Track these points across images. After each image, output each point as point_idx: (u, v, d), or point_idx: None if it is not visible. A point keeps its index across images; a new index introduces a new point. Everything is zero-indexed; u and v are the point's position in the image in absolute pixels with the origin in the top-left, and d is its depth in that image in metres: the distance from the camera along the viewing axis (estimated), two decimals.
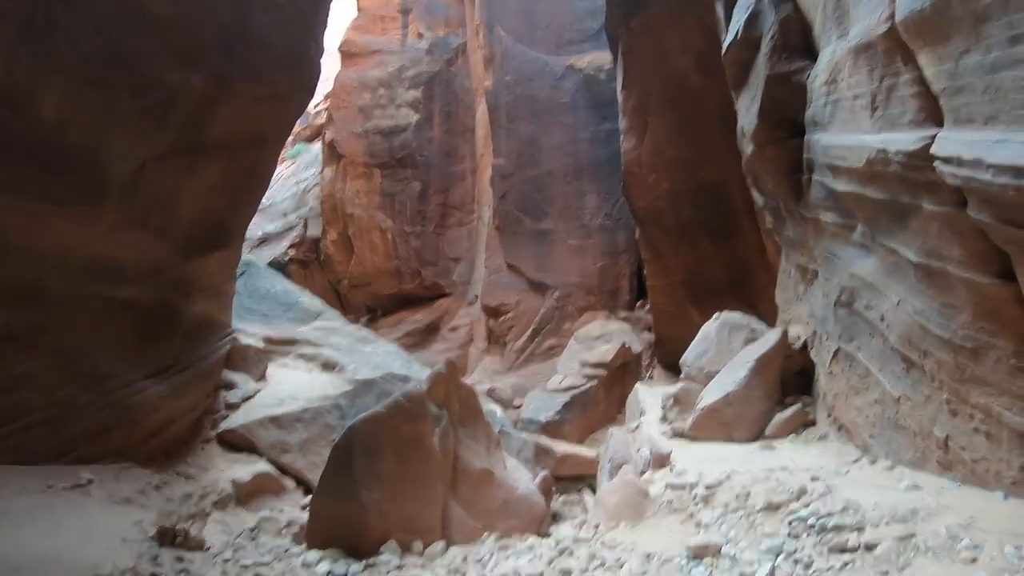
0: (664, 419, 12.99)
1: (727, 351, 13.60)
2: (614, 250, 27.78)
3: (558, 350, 25.64)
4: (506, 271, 28.49)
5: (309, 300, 19.26)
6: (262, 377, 16.06)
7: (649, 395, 14.78)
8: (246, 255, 20.86)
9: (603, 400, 20.50)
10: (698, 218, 20.18)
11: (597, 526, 9.50)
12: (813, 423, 11.64)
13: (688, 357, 13.86)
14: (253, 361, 16.14)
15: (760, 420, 11.93)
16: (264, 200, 42.80)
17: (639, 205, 21.31)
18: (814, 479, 8.41)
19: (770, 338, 12.76)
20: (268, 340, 17.60)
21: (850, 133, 8.90)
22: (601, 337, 22.35)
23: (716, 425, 11.90)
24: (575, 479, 16.92)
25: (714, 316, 14.35)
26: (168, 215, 11.79)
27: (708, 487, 9.00)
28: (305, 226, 36.06)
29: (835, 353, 10.67)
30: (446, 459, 10.62)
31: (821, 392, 11.57)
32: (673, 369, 22.64)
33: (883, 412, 8.96)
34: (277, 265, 35.14)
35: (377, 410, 10.14)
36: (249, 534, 11.63)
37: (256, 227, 39.16)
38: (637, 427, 13.42)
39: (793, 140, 11.66)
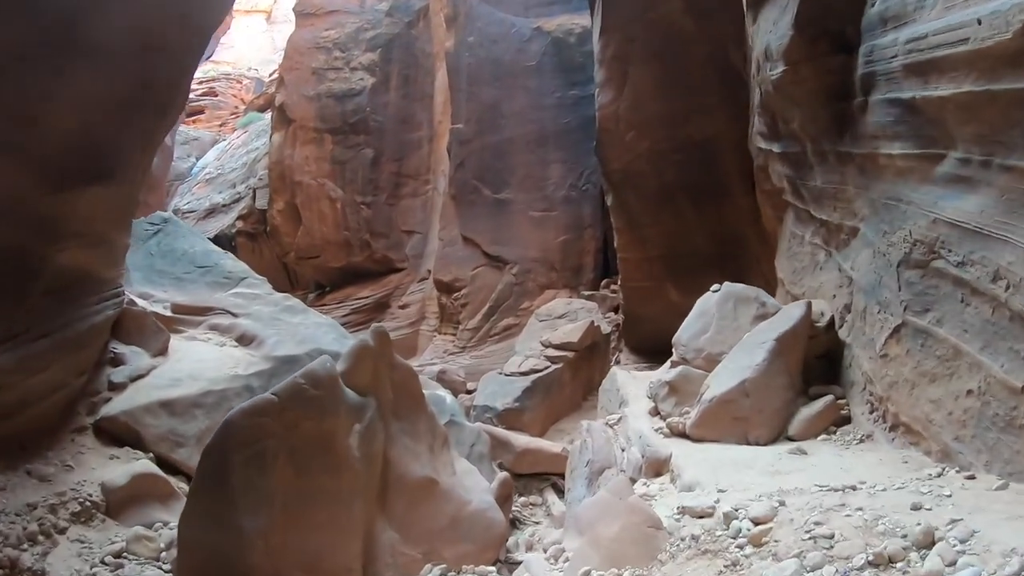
0: (657, 412, 9.83)
1: (732, 329, 10.59)
2: (579, 223, 25.00)
3: (516, 330, 22.92)
4: (461, 244, 25.78)
5: (232, 263, 15.83)
6: (162, 352, 12.65)
7: (631, 381, 11.63)
8: (172, 216, 17.63)
9: (568, 385, 17.28)
10: (682, 181, 17.09)
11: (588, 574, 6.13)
12: (847, 420, 8.91)
13: (683, 336, 10.76)
14: (151, 332, 12.70)
15: (782, 415, 9.08)
16: (212, 170, 40.94)
17: (614, 167, 18.09)
18: (916, 508, 5.57)
19: (792, 313, 9.78)
20: (177, 308, 14.13)
21: (975, 5, 6.09)
22: (565, 315, 19.13)
23: (729, 421, 8.98)
24: (537, 476, 13.62)
25: (712, 288, 11.30)
26: (28, 130, 8.88)
27: (756, 521, 5.77)
28: (254, 197, 33.47)
29: (895, 330, 7.86)
30: (371, 466, 7.40)
31: (859, 380, 8.88)
32: (642, 353, 19.71)
33: (983, 407, 6.33)
34: (224, 238, 32.99)
35: (265, 397, 6.71)
36: (113, 561, 8.33)
37: (203, 198, 37.78)
38: (619, 420, 10.30)
39: (837, 57, 8.98)
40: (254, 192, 33.33)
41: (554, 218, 24.98)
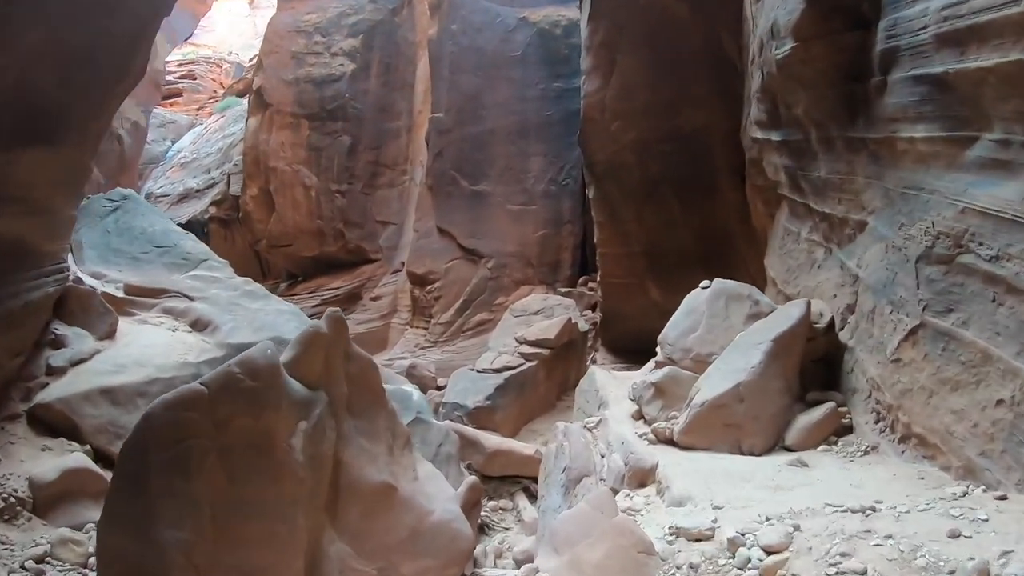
0: (641, 416, 8.99)
1: (724, 328, 9.81)
2: (558, 219, 24.02)
3: (489, 326, 21.93)
4: (436, 236, 24.67)
5: (192, 244, 14.81)
6: (109, 335, 11.64)
7: (611, 381, 10.78)
8: (132, 193, 16.51)
9: (543, 384, 16.32)
10: (669, 174, 16.18)
11: None
12: (849, 429, 8.17)
13: (669, 334, 9.90)
14: (97, 313, 11.68)
15: (778, 422, 8.30)
16: (187, 154, 39.85)
17: (598, 158, 17.15)
18: (954, 535, 4.78)
19: (791, 312, 8.98)
20: (130, 289, 13.07)
21: None
22: (541, 311, 18.15)
23: (720, 428, 8.20)
24: (508, 479, 12.69)
25: (702, 284, 10.48)
26: None
27: (769, 550, 4.87)
28: (228, 183, 32.23)
29: (911, 332, 7.05)
30: (319, 470, 6.44)
31: (862, 387, 8.14)
32: (620, 353, 18.81)
33: (1017, 419, 5.60)
34: (197, 224, 31.84)
35: (192, 388, 5.68)
36: (34, 567, 7.53)
37: (177, 183, 36.63)
38: (599, 424, 9.43)
39: (852, 34, 8.16)
40: (228, 178, 32.17)
41: (533, 212, 24.01)
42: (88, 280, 12.58)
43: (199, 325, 12.31)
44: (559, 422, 10.41)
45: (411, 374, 19.17)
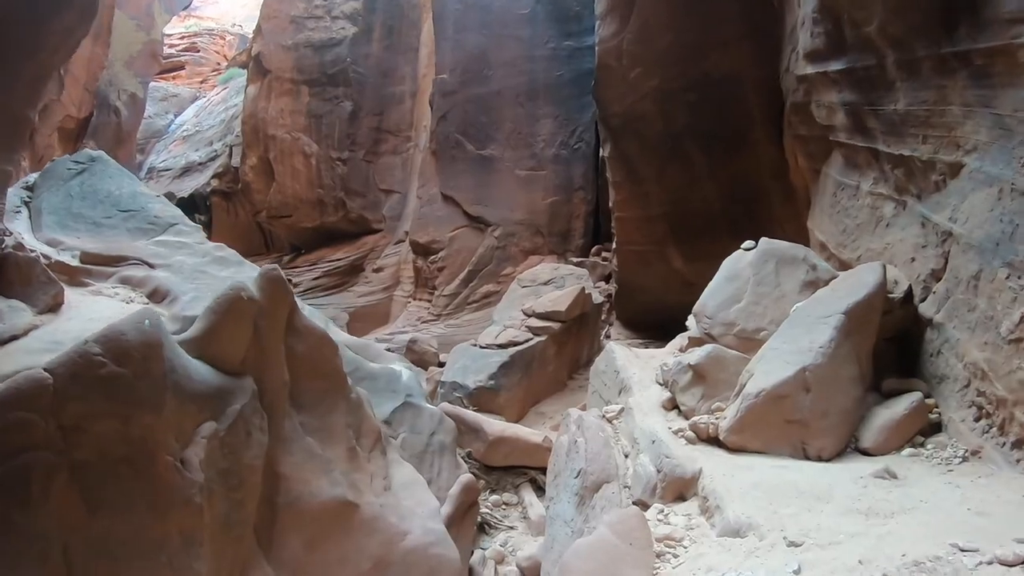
0: (674, 406, 7.25)
1: (774, 298, 8.01)
2: (568, 185, 22.03)
3: (496, 298, 20.02)
4: (440, 203, 22.80)
5: (162, 207, 12.72)
6: (53, 308, 9.48)
7: (634, 361, 8.84)
8: (102, 155, 14.53)
9: (552, 362, 14.31)
10: (693, 127, 14.10)
11: None
12: (937, 427, 6.31)
13: (708, 305, 8.00)
14: (39, 283, 9.56)
15: (851, 418, 6.38)
16: (189, 127, 38.63)
17: (614, 110, 15.07)
18: None
19: (864, 278, 7.09)
20: (86, 257, 11.03)
21: None
22: (551, 282, 16.12)
23: (780, 424, 6.29)
24: (512, 470, 10.75)
25: (745, 245, 8.62)
26: None
27: None
28: (230, 154, 30.92)
29: None
30: (236, 489, 4.33)
31: (957, 374, 6.24)
32: (636, 328, 16.86)
33: None
34: (199, 197, 31.52)
35: (30, 376, 3.72)
36: None
37: (179, 156, 35.72)
38: (621, 414, 7.48)
39: None
40: (230, 149, 30.95)
41: (542, 178, 22.06)
42: (41, 247, 10.67)
43: (157, 295, 10.31)
44: (570, 408, 8.46)
45: (411, 349, 17.36)
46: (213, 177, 30.83)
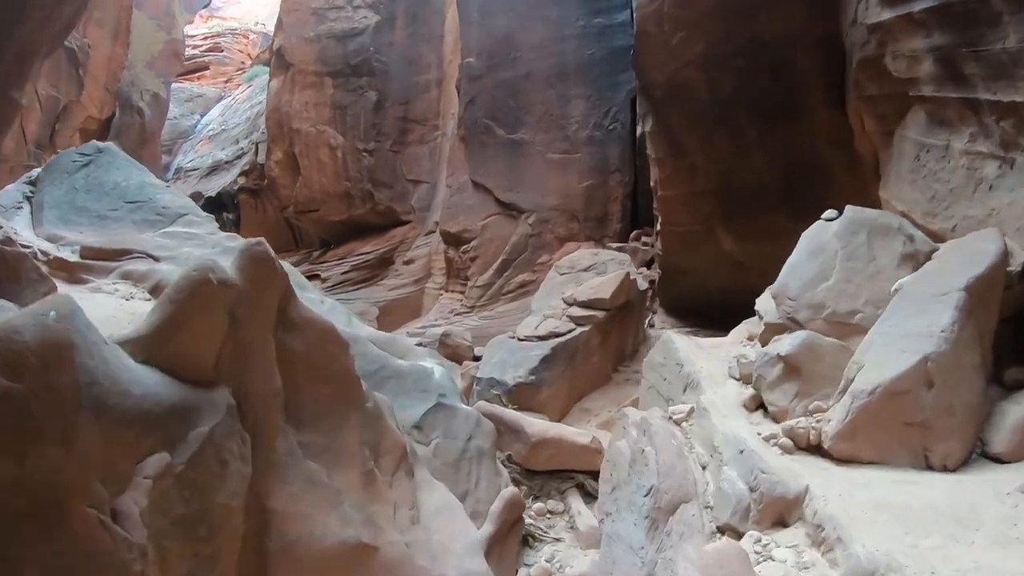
0: (759, 405, 5.88)
1: (869, 275, 6.79)
2: (604, 167, 20.50)
3: (532, 287, 18.67)
4: (471, 190, 21.48)
5: (171, 198, 11.51)
6: None
7: (698, 352, 7.55)
8: (110, 146, 13.43)
9: (596, 353, 12.93)
10: (743, 94, 12.69)
11: None
12: None
13: (790, 284, 6.72)
14: (29, 281, 8.39)
15: (976, 416, 5.15)
16: (215, 126, 38.04)
17: (655, 79, 13.65)
18: None
19: (983, 247, 5.86)
20: (87, 251, 9.89)
21: None
22: (592, 268, 14.73)
23: (899, 427, 5.08)
24: (557, 474, 9.45)
25: (826, 215, 7.46)
26: None
27: None
28: (256, 152, 29.96)
29: None
30: (206, 541, 2.99)
31: None
32: (682, 315, 15.50)
33: None
34: (227, 196, 30.65)
35: None
36: None
37: (206, 156, 34.98)
38: (691, 415, 6.13)
39: None
40: (256, 147, 30.00)
41: (576, 161, 20.60)
42: (40, 243, 9.58)
43: (158, 291, 9.16)
44: (627, 408, 7.16)
45: (444, 343, 16.09)
46: (240, 175, 29.93)
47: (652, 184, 15.18)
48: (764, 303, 7.60)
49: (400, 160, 25.32)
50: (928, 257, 6.53)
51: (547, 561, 8.19)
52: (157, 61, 31.65)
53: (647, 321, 15.64)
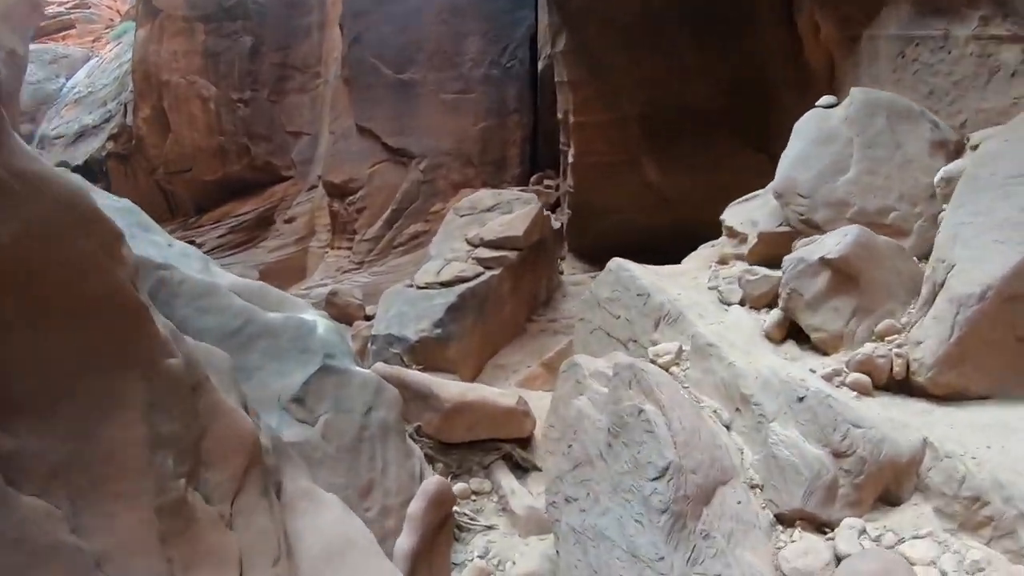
0: (788, 335, 3.85)
1: (897, 164, 5.08)
2: (502, 108, 18.59)
3: (426, 239, 16.50)
4: (356, 136, 19.23)
5: None
6: None
7: (661, 280, 5.47)
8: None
9: (508, 300, 11.00)
10: (679, 6, 10.67)
11: None
12: None
13: (798, 179, 5.09)
14: None
15: None
16: (81, 89, 34.47)
17: None
18: None
19: None
20: None
21: None
22: (496, 208, 12.68)
23: (1012, 347, 3.69)
24: (479, 446, 7.49)
25: (823, 101, 6.03)
26: None
27: None
28: (125, 113, 26.56)
29: None
30: None
31: None
32: (595, 260, 13.49)
33: None
34: (95, 163, 26.98)
35: None
36: None
37: (72, 121, 30.96)
38: (681, 355, 4.18)
39: None
40: (125, 107, 26.59)
41: (471, 102, 18.66)
42: None
43: None
44: (578, 356, 5.24)
45: (331, 303, 14.06)
46: (108, 139, 26.56)
47: (561, 114, 13.29)
48: (735, 216, 5.87)
49: (279, 111, 22.69)
50: (960, 146, 4.94)
51: (481, 556, 6.32)
52: (12, 12, 28.25)
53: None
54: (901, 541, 2.96)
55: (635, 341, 5.36)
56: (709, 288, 5.37)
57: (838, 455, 3.22)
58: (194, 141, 22.83)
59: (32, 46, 32.37)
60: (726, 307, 4.88)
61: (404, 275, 14.92)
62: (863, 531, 3.02)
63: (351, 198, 18.93)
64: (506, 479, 7.13)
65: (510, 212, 12.19)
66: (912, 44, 6.88)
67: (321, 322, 6.18)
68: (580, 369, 4.68)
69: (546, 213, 11.80)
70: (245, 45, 22.62)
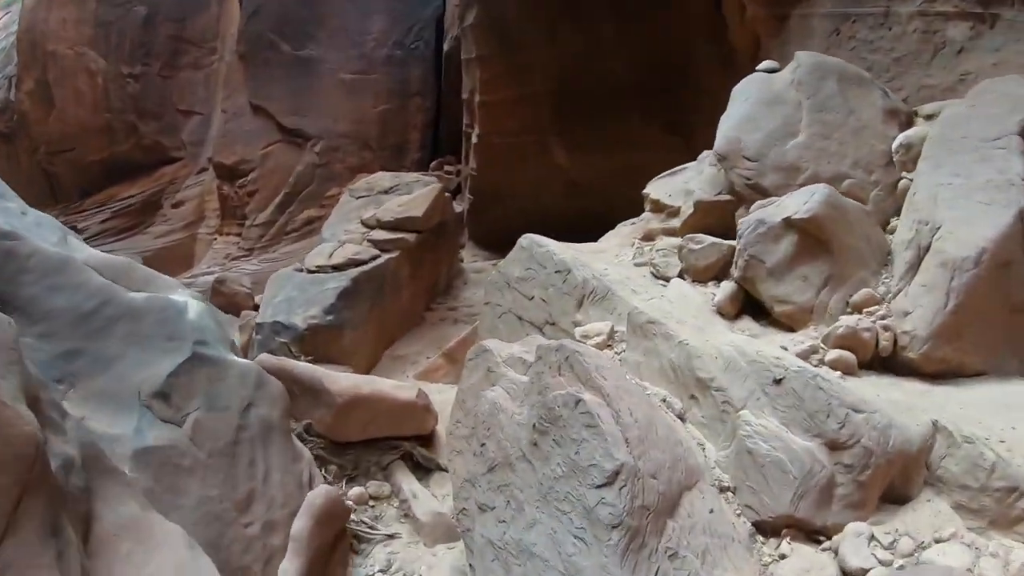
0: (738, 309, 3.91)
1: (852, 129, 4.68)
2: (404, 90, 17.67)
3: (319, 224, 15.35)
4: (249, 115, 18.10)
5: None
6: None
7: (579, 254, 4.77)
8: None
9: (407, 287, 10.15)
10: None
11: None
12: None
13: (745, 140, 4.56)
14: None
15: None
16: None
17: None
18: None
19: (1018, 91, 4.39)
20: None
21: None
22: (395, 190, 11.72)
23: (1003, 317, 3.27)
24: (376, 444, 6.63)
25: (763, 65, 5.49)
26: None
27: None
28: (10, 87, 24.47)
29: None
30: None
31: None
32: (496, 248, 12.73)
33: None
34: None
35: None
36: None
37: None
38: (612, 337, 3.44)
39: None
40: (10, 81, 24.40)
41: (372, 82, 17.65)
42: None
43: None
44: (489, 341, 4.50)
45: (218, 292, 13.04)
46: None
47: (467, 94, 12.53)
48: (661, 188, 5.26)
49: (171, 87, 21.32)
50: (910, 117, 4.43)
51: (383, 571, 5.51)
52: None
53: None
54: (922, 547, 2.37)
55: (553, 324, 4.66)
56: (636, 265, 4.73)
57: (835, 447, 2.58)
58: (79, 118, 21.37)
59: None
60: (663, 282, 4.24)
61: (296, 262, 14.04)
62: (872, 538, 2.40)
63: (242, 180, 17.85)
64: (407, 481, 6.33)
65: (412, 192, 11.38)
66: (848, 21, 6.55)
67: (193, 304, 5.29)
68: (491, 355, 3.95)
69: (446, 195, 11.02)
70: (139, 15, 21.26)
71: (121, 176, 21.64)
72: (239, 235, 17.77)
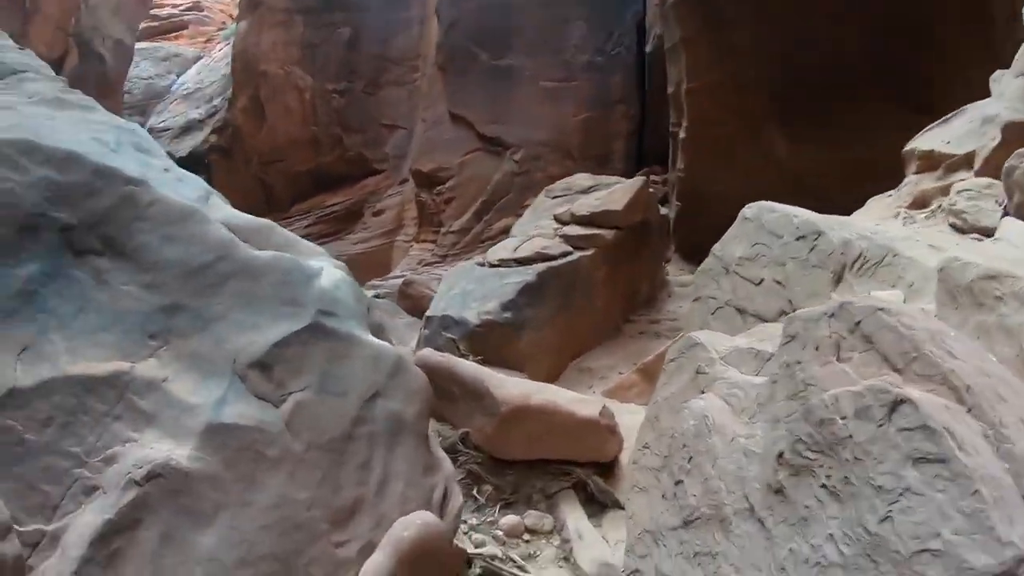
0: None
1: None
2: (606, 98, 16.60)
3: None
4: (449, 123, 17.57)
5: (14, 55, 7.32)
6: None
7: (833, 221, 3.10)
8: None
9: (602, 291, 8.66)
10: None
11: None
12: None
13: None
14: None
15: None
16: (190, 85, 34.79)
17: None
18: None
19: None
20: None
21: None
22: (594, 189, 10.38)
23: None
24: (543, 467, 5.29)
25: None
26: None
27: None
28: (229, 107, 26.28)
29: None
30: None
31: None
32: (698, 258, 11.46)
33: None
34: (198, 155, 26.45)
35: None
36: None
37: (179, 115, 30.80)
38: (994, 289, 1.77)
39: None
40: (229, 103, 26.20)
41: (573, 90, 16.71)
42: None
43: None
44: (701, 332, 3.07)
45: (404, 293, 12.41)
46: (211, 133, 26.03)
47: (672, 87, 11.06)
48: (931, 140, 3.70)
49: (374, 103, 21.66)
50: None
51: None
52: (123, 5, 28.32)
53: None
54: None
55: (793, 305, 3.19)
56: (920, 228, 3.20)
57: None
58: (288, 133, 22.11)
59: (146, 44, 32.84)
60: (977, 236, 2.72)
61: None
62: None
63: (440, 188, 17.34)
64: (574, 517, 4.94)
65: (612, 189, 9.99)
66: None
67: (330, 271, 4.22)
68: (703, 350, 2.54)
69: (650, 191, 9.57)
70: (343, 36, 21.82)
71: (327, 186, 22.21)
72: (434, 242, 17.35)
